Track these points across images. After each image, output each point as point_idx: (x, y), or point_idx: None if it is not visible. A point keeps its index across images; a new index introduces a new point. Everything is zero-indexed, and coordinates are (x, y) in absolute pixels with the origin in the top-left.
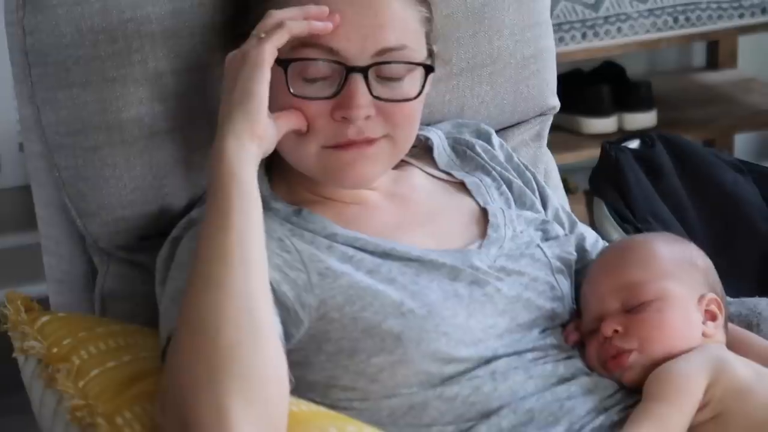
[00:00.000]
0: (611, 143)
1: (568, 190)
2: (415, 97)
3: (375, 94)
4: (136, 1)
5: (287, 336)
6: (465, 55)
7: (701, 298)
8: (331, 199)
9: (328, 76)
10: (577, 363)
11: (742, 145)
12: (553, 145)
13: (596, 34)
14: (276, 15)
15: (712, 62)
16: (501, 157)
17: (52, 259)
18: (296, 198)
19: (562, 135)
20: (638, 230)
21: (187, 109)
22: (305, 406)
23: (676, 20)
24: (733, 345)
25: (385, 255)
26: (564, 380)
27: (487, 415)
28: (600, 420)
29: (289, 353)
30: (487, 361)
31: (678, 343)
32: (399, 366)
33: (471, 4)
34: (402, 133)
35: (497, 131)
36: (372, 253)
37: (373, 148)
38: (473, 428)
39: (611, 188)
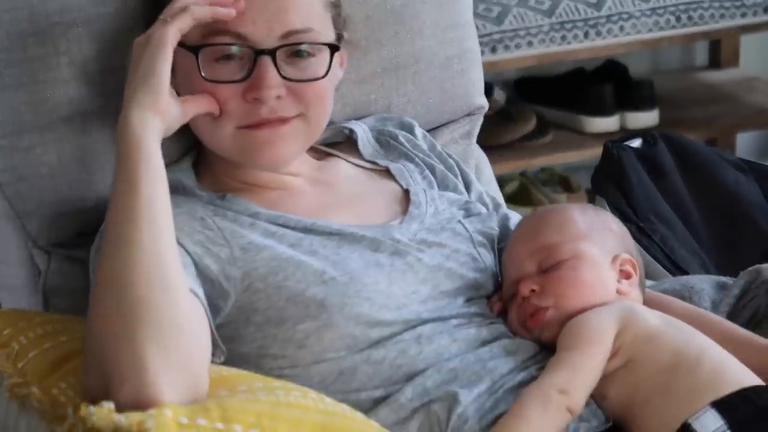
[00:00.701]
0: (613, 142)
1: (571, 189)
2: (323, 76)
3: (284, 74)
4: (63, 6)
5: (215, 309)
6: (388, 55)
7: (615, 257)
8: (255, 185)
9: (238, 60)
10: (500, 328)
11: (745, 144)
12: (555, 144)
13: (599, 33)
14: (181, 0)
15: (715, 61)
16: (424, 146)
17: (1, 267)
18: (221, 187)
19: (564, 134)
20: (640, 229)
21: (116, 106)
22: (235, 371)
23: (678, 19)
24: (654, 306)
25: (307, 230)
26: (486, 342)
27: (412, 376)
28: (521, 377)
29: (220, 328)
30: (413, 326)
31: (592, 299)
32: (325, 330)
33: (390, 4)
34: (314, 113)
35: (427, 131)
36: (293, 228)
37: (287, 127)
38: (399, 390)
39: (613, 187)
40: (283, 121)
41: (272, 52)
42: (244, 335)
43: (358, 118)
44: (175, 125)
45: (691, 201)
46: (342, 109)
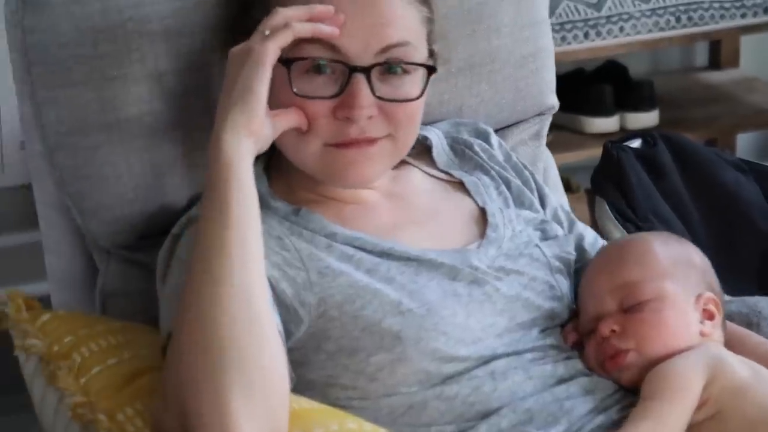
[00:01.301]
0: (613, 142)
1: (570, 189)
2: (417, 97)
3: (378, 94)
4: (136, 1)
5: (287, 334)
6: (463, 54)
7: (699, 297)
8: (330, 198)
9: (331, 74)
10: (577, 364)
11: (745, 144)
12: (555, 145)
13: (599, 34)
14: (282, 13)
15: (715, 62)
16: (499, 156)
17: (53, 258)
18: (295, 197)
19: (564, 134)
20: (640, 229)
21: (187, 107)
22: (306, 403)
23: (678, 20)
24: (731, 344)
25: (384, 254)
26: (563, 380)
27: (486, 415)
28: (599, 420)
29: (289, 352)
30: (487, 360)
31: (675, 343)
32: (398, 365)
33: (468, 3)
34: (404, 133)
35: (496, 131)
36: (371, 252)
37: (374, 147)
38: (473, 428)
39: (613, 187)
40: (372, 141)
41: (367, 70)
42: (314, 362)
43: (430, 121)
44: (266, 145)
45: (691, 201)
46: None
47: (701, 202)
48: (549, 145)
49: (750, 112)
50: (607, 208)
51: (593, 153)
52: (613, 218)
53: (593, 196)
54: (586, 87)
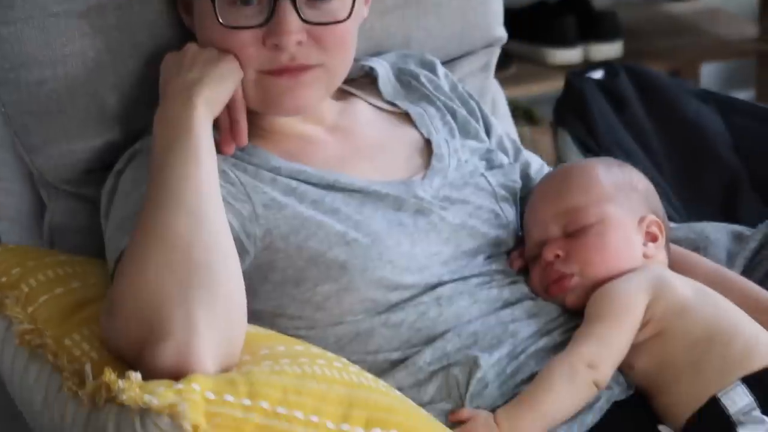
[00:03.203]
0: (575, 74)
1: (534, 121)
2: (346, 19)
3: (305, 18)
4: None
5: None
6: None
7: (641, 219)
8: (275, 133)
9: (257, 3)
10: (522, 288)
11: (708, 75)
12: (518, 77)
13: None
14: None
15: None
16: (445, 86)
17: (2, 197)
18: None
19: (527, 66)
20: None
21: (130, 42)
22: (253, 329)
23: None
24: (676, 266)
25: (329, 186)
26: (508, 304)
27: (432, 339)
28: (543, 342)
29: None
30: (432, 287)
31: (619, 265)
32: (345, 294)
33: None
34: (336, 59)
35: (444, 63)
36: (315, 185)
37: (307, 75)
38: (418, 353)
39: (575, 118)
40: (304, 68)
41: None
42: (260, 293)
43: (377, 53)
44: None
45: (653, 132)
46: (361, 41)
47: (664, 133)
48: (512, 77)
49: (713, 43)
50: (570, 139)
51: (556, 85)
52: (576, 149)
53: (556, 127)
54: (548, 18)
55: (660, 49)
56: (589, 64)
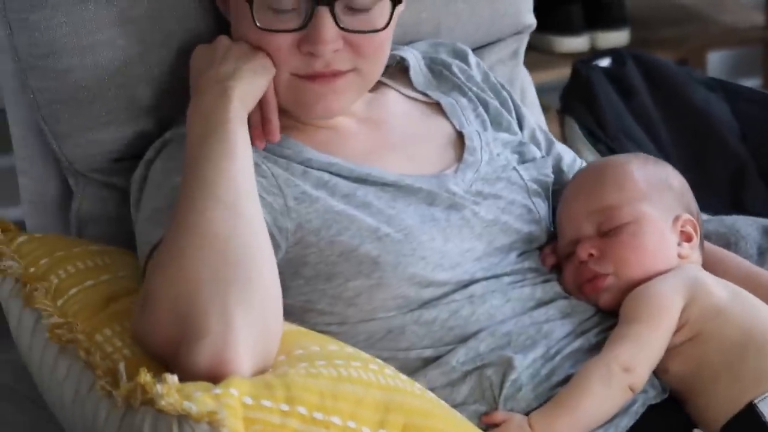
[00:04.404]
0: (582, 62)
1: (541, 109)
2: (383, 28)
3: (342, 26)
4: None
5: None
6: None
7: (676, 219)
8: (306, 124)
9: (294, 7)
10: (555, 286)
11: (716, 63)
12: (525, 65)
13: None
14: None
15: None
16: (477, 77)
17: (27, 181)
18: None
19: (534, 54)
20: (610, 148)
21: (160, 31)
22: (286, 327)
23: None
24: (710, 265)
25: (360, 180)
26: (542, 304)
27: (465, 338)
28: (578, 343)
29: None
30: (465, 285)
31: (654, 265)
32: (376, 290)
33: None
34: (370, 66)
35: (473, 50)
36: (347, 178)
37: (341, 80)
38: (451, 351)
39: (582, 107)
40: (338, 74)
41: (331, 2)
42: (291, 287)
43: (407, 42)
44: None
45: (660, 120)
46: None
47: (671, 121)
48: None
49: (721, 31)
50: (577, 127)
51: (563, 73)
52: (583, 137)
53: (563, 115)
54: (555, 6)
55: (667, 37)
56: (596, 52)
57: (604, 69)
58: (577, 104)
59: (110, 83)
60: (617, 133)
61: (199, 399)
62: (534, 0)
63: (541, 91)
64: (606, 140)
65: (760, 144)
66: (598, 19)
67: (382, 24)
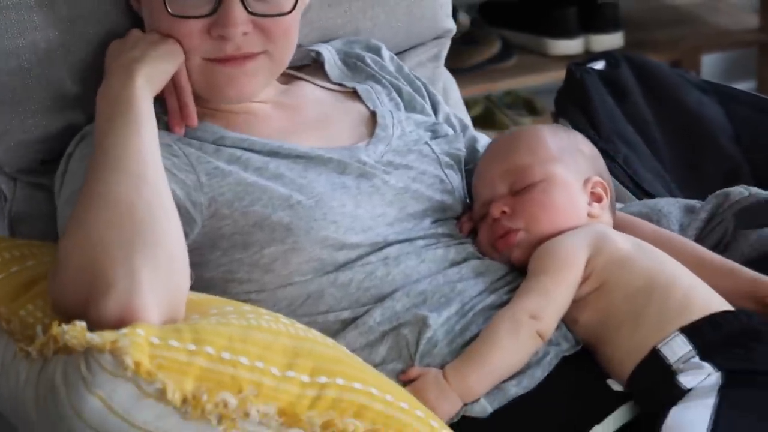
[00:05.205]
0: (576, 64)
1: (535, 111)
2: (290, 11)
3: (251, 10)
4: None
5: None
6: None
7: (587, 180)
8: (221, 110)
9: None
10: (468, 248)
11: (710, 65)
12: (519, 68)
13: None
14: None
15: None
16: (391, 67)
17: None
18: None
19: (528, 57)
20: (603, 150)
21: (80, 32)
22: (204, 296)
23: None
24: (622, 228)
25: (273, 153)
26: (455, 263)
27: (381, 299)
28: (490, 299)
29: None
30: (380, 247)
31: (563, 222)
32: (291, 254)
33: None
34: (280, 48)
35: (395, 55)
36: (259, 152)
37: (252, 63)
38: (368, 312)
39: (576, 109)
40: (249, 57)
41: None
42: (210, 260)
43: (325, 42)
44: None
45: (654, 123)
46: (309, 33)
47: (665, 123)
48: (513, 68)
49: (714, 33)
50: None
51: (557, 75)
52: None
53: (557, 118)
54: (549, 9)
55: (661, 40)
56: (590, 55)
57: (598, 72)
58: (571, 107)
59: (34, 85)
60: (611, 136)
61: (104, 334)
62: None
63: (536, 93)
64: (600, 142)
65: (754, 146)
66: (593, 21)
67: (289, 7)
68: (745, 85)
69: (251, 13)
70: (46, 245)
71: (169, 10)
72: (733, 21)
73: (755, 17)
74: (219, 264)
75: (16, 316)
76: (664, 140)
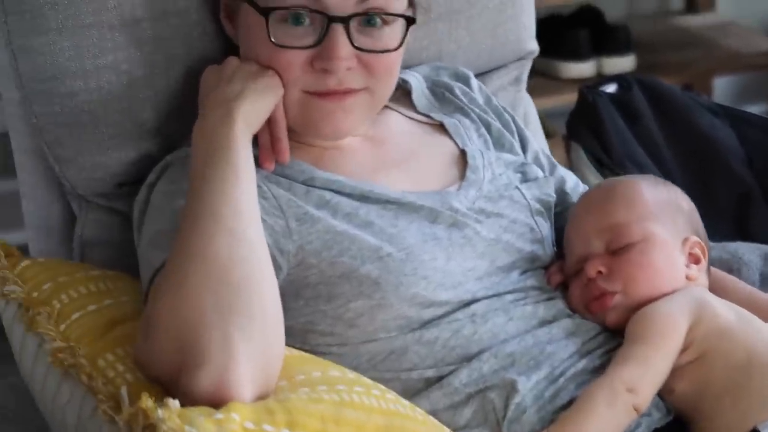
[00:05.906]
0: (588, 87)
1: (547, 134)
2: (396, 48)
3: (356, 44)
4: None
5: None
6: (442, 0)
7: (685, 240)
8: (309, 145)
9: (309, 24)
10: (559, 304)
11: (722, 88)
12: (531, 90)
13: None
14: None
15: (691, 6)
16: (479, 99)
17: (31, 205)
18: None
19: (540, 79)
20: (615, 174)
21: (164, 54)
22: (287, 352)
23: None
24: (715, 289)
25: (363, 198)
26: (545, 322)
27: (467, 358)
28: (582, 364)
29: None
30: (467, 303)
31: (661, 285)
32: (378, 311)
33: None
34: (381, 86)
35: (476, 76)
36: (349, 195)
37: (352, 99)
38: (454, 372)
39: (588, 132)
40: (350, 92)
41: (346, 20)
42: (293, 308)
43: (408, 66)
44: None
45: (666, 146)
46: None
47: (677, 146)
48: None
49: (726, 56)
50: (583, 153)
51: (569, 98)
52: (589, 163)
53: (569, 141)
54: (561, 32)
55: (672, 63)
56: (602, 78)
57: (610, 95)
58: (583, 130)
59: (114, 107)
60: (623, 159)
61: (200, 424)
62: (540, 26)
63: (548, 116)
64: (612, 166)
65: (766, 169)
66: (604, 44)
67: (395, 44)
68: (757, 108)
69: (357, 48)
70: (121, 278)
71: (273, 39)
72: (744, 44)
73: (767, 40)
74: (301, 314)
75: (95, 368)
76: (676, 163)
